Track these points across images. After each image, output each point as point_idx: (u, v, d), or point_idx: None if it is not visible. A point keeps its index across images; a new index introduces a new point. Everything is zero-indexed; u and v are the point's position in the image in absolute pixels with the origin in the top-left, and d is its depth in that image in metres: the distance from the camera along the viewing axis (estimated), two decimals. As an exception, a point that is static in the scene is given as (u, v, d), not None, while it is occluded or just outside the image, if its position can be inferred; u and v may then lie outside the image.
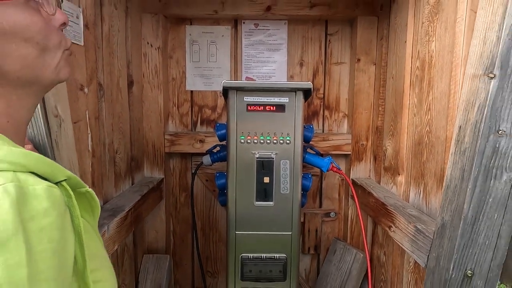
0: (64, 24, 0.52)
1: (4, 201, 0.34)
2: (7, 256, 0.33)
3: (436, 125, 1.00)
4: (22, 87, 0.46)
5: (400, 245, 1.03)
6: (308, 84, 1.08)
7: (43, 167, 0.40)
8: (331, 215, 1.62)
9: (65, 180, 0.43)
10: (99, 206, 0.51)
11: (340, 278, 1.45)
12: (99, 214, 0.52)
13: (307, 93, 1.12)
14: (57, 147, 0.68)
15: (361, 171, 1.52)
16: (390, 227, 1.10)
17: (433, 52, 1.02)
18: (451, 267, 0.76)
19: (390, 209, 1.11)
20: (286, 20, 1.53)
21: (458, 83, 0.90)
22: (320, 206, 1.63)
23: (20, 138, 0.50)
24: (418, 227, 0.92)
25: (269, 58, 1.56)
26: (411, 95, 1.17)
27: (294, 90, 1.10)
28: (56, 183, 0.42)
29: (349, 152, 1.52)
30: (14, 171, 0.37)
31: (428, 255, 0.86)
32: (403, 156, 1.21)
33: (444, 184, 0.81)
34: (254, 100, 1.11)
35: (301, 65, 1.57)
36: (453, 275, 0.76)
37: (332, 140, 1.51)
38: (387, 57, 1.37)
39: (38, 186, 0.37)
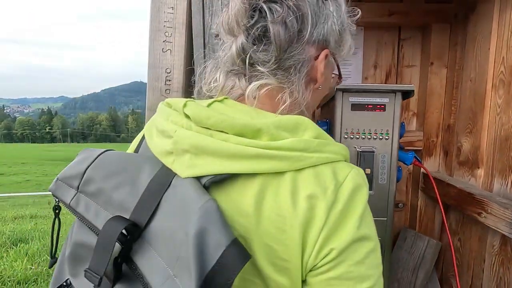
0: None
1: (362, 180, 0.50)
2: (368, 218, 0.49)
3: (527, 123, 1.14)
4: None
5: (495, 229, 1.17)
6: (410, 87, 1.22)
7: (348, 155, 0.54)
8: (399, 206, 1.76)
9: None
10: None
11: (413, 262, 1.59)
12: None
13: (405, 94, 1.25)
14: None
15: (431, 165, 1.66)
16: (479, 213, 1.24)
17: (524, 59, 1.16)
18: (562, 243, 0.90)
19: (478, 197, 1.26)
20: (363, 27, 1.67)
21: (554, 87, 1.04)
22: (389, 197, 1.77)
23: None
24: (517, 212, 1.07)
25: (346, 61, 1.69)
26: (493, 97, 1.31)
27: (394, 92, 1.24)
28: None
29: (420, 148, 1.66)
30: (343, 160, 0.52)
31: (532, 235, 1.00)
32: (483, 151, 1.35)
33: (552, 174, 0.95)
34: (358, 100, 1.25)
35: (375, 67, 1.71)
36: None
37: (406, 136, 1.65)
38: (463, 62, 1.51)
39: (360, 171, 0.52)
